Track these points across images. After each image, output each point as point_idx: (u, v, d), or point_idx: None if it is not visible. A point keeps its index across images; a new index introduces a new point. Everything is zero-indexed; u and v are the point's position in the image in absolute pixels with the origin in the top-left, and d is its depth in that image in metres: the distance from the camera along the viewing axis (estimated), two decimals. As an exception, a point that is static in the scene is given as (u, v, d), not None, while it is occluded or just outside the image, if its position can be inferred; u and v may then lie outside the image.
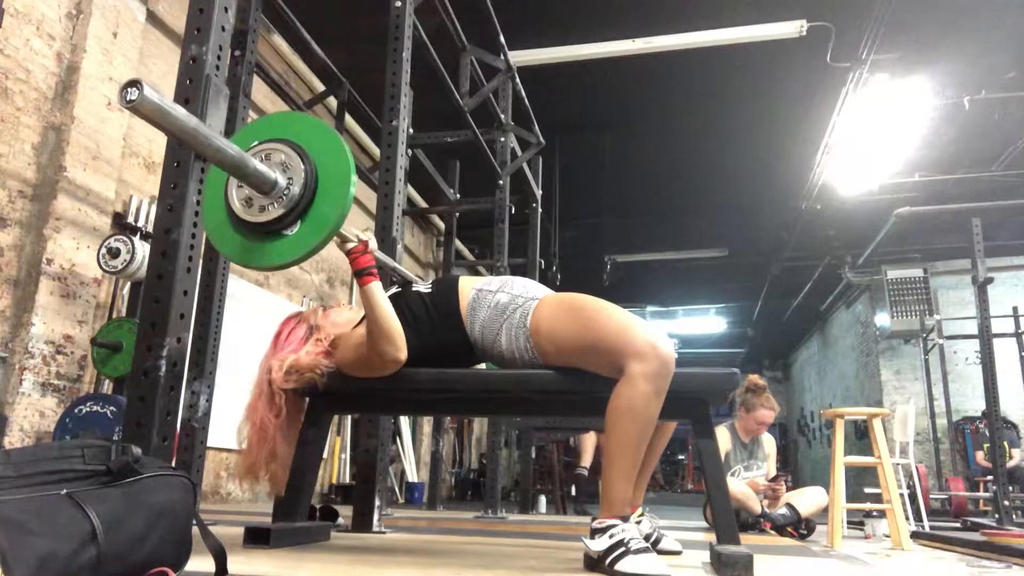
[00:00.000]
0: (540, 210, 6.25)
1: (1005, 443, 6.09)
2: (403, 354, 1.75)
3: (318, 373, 1.82)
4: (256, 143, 1.62)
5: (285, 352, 1.84)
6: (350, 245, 1.74)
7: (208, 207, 1.69)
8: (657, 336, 1.62)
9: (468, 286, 1.89)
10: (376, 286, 1.73)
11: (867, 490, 5.95)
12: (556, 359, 1.77)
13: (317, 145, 1.60)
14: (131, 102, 1.25)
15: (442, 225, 8.69)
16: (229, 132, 2.65)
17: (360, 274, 1.73)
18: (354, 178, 1.58)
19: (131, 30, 4.40)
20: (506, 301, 1.81)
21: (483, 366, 2.04)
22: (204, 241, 1.74)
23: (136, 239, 4.00)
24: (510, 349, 1.79)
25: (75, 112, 3.98)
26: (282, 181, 1.56)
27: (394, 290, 1.96)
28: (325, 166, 1.58)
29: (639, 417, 1.59)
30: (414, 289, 1.92)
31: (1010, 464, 6.72)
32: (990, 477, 6.13)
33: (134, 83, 1.25)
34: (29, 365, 3.66)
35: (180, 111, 1.38)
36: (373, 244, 1.79)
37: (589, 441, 6.63)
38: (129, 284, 4.27)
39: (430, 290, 1.91)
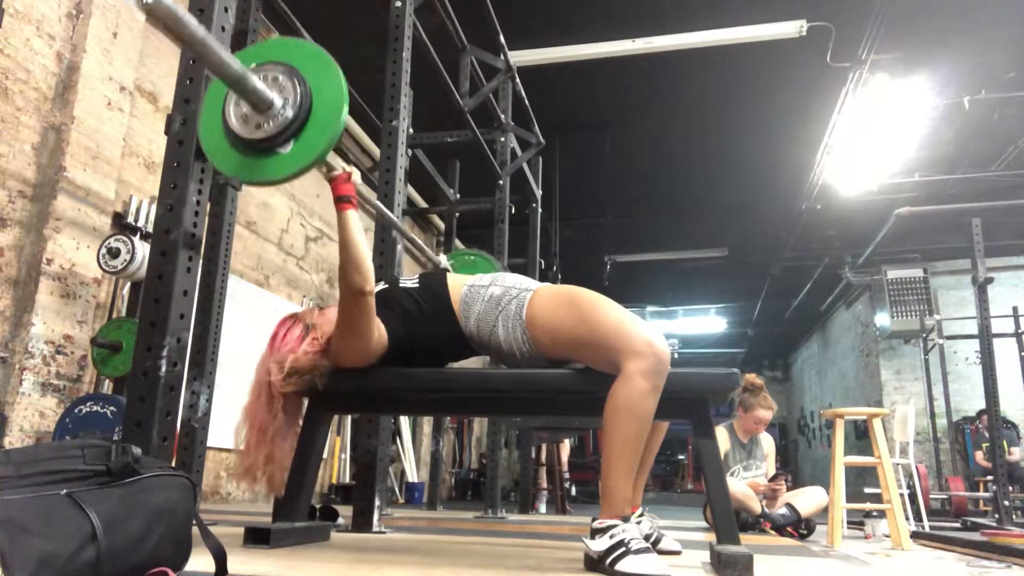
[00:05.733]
0: (540, 210, 6.25)
1: (1005, 443, 6.09)
2: (370, 285, 1.72)
3: (318, 375, 1.81)
4: (255, 64, 1.64)
5: (282, 352, 1.82)
6: (335, 173, 1.76)
7: (206, 125, 1.71)
8: (653, 334, 1.64)
9: (458, 283, 1.89)
10: (352, 214, 1.74)
11: (867, 490, 5.95)
12: (553, 351, 1.77)
13: (314, 71, 1.63)
14: (147, 4, 1.30)
15: (442, 225, 8.69)
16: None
17: (339, 200, 1.74)
18: (346, 106, 1.61)
19: (131, 30, 4.40)
20: (499, 293, 1.82)
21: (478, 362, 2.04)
22: (204, 241, 1.74)
23: (136, 239, 4.00)
24: (507, 341, 1.79)
25: (75, 112, 3.97)
26: (278, 101, 1.60)
27: (381, 286, 1.95)
28: (320, 92, 1.61)
29: (636, 415, 1.60)
30: (400, 286, 1.91)
31: (1009, 460, 6.72)
32: (990, 477, 6.13)
33: None
34: (29, 365, 3.66)
35: (191, 19, 1.42)
36: (357, 177, 1.80)
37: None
38: (129, 284, 4.27)
39: (416, 284, 1.91)
